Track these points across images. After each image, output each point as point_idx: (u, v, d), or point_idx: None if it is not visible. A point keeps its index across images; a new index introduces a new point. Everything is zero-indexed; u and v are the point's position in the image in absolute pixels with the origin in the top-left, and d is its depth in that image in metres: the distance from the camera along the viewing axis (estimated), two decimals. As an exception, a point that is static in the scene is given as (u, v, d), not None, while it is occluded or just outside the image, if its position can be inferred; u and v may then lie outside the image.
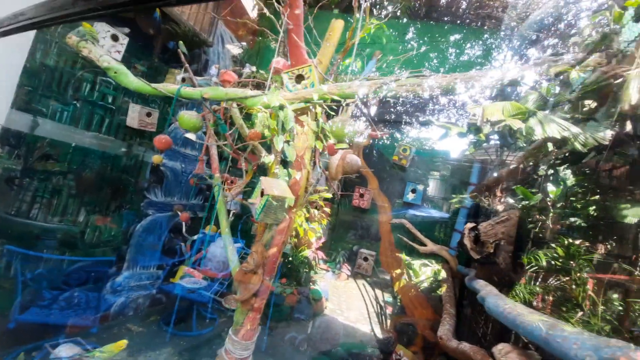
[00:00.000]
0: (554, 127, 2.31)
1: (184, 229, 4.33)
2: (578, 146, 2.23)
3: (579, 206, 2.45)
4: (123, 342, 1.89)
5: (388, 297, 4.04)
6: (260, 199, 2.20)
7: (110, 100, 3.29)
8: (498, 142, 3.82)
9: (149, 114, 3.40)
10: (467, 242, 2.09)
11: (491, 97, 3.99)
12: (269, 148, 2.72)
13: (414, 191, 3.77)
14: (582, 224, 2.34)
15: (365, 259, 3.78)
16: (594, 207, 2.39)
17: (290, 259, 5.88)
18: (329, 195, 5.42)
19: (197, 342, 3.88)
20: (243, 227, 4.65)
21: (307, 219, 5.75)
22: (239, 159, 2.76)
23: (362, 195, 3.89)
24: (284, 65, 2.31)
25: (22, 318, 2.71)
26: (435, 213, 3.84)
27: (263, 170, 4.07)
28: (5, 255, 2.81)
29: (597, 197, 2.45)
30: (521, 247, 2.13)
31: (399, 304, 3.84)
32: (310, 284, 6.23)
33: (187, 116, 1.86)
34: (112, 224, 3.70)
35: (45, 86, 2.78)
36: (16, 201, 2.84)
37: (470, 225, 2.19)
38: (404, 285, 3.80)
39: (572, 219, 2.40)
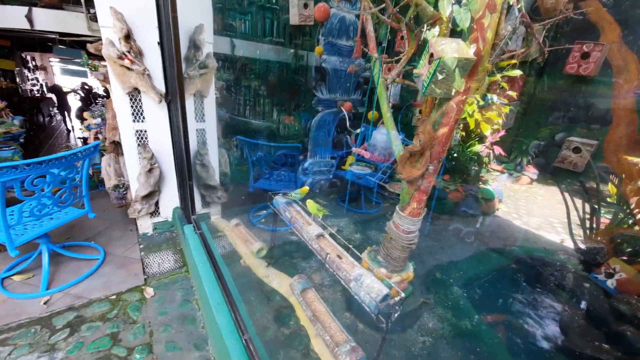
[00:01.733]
0: None
1: (347, 123, 4.66)
2: None
3: None
4: (306, 189, 2.46)
5: (600, 203, 2.97)
6: (428, 67, 1.84)
7: (273, 0, 3.49)
8: None
9: (305, 5, 3.39)
10: None
11: None
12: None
13: None
14: None
15: (577, 150, 2.76)
16: None
17: (455, 154, 5.33)
18: (517, 73, 4.04)
19: (366, 218, 4.57)
20: (403, 119, 4.45)
21: (480, 107, 4.74)
22: (398, 27, 2.34)
23: (585, 56, 2.56)
24: None
25: (255, 186, 4.03)
26: None
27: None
28: (239, 144, 4.08)
29: None
30: None
31: (626, 211, 2.76)
32: (480, 183, 5.58)
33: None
34: (294, 122, 4.47)
35: (228, 4, 3.26)
36: (235, 105, 3.88)
37: None
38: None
39: None
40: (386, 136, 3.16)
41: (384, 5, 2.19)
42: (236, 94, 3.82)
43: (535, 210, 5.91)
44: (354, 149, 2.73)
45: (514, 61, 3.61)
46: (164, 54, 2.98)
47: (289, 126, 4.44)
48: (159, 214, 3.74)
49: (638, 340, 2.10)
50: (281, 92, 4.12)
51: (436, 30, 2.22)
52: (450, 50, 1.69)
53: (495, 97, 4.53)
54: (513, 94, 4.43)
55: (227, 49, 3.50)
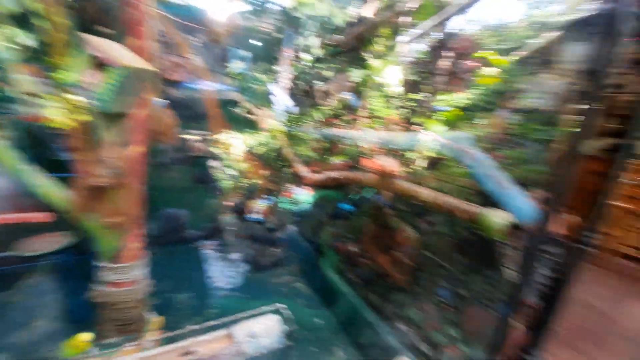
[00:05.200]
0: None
1: None
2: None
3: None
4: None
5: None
6: (99, 74, 1.35)
7: None
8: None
9: None
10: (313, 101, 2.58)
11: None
12: None
13: (241, 59, 3.51)
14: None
15: (202, 141, 3.54)
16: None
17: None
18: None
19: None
20: None
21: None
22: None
23: (177, 66, 3.12)
24: None
25: None
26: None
27: None
28: None
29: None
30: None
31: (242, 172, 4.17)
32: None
33: None
34: None
35: None
36: None
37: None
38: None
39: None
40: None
41: None
42: None
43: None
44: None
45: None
46: None
47: None
48: None
49: (281, 244, 3.69)
50: None
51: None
52: (129, 58, 1.40)
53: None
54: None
55: None
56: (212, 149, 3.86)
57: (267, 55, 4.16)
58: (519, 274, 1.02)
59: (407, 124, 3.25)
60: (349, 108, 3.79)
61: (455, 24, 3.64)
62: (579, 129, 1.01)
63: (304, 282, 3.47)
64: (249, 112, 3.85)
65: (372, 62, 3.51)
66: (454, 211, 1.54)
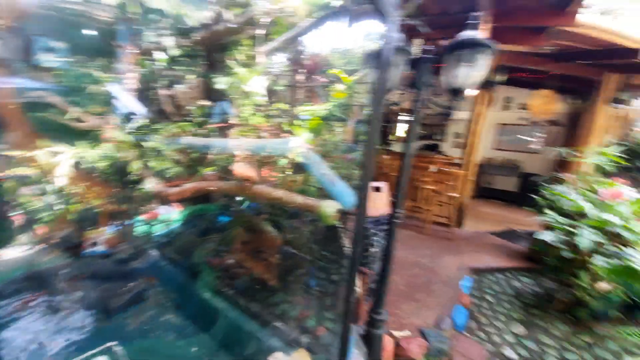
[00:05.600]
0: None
1: None
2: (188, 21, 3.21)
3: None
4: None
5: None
6: None
7: None
8: None
9: None
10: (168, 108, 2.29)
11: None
12: None
13: (50, 50, 2.70)
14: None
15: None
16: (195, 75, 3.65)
17: None
18: None
19: None
20: None
21: None
22: None
23: None
24: None
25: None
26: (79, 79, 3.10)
27: None
28: None
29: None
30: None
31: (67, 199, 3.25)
32: None
33: None
34: None
35: None
36: None
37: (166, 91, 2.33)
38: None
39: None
40: None
41: None
42: None
43: None
44: None
45: None
46: None
47: None
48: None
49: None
50: None
51: None
52: None
53: None
54: None
55: None
56: (19, 169, 2.79)
57: (104, 50, 3.42)
58: (353, 249, 1.27)
59: (277, 132, 3.41)
60: (219, 115, 3.61)
61: (307, 43, 4.13)
62: (379, 135, 1.35)
63: (174, 312, 3.02)
64: (77, 119, 3.03)
65: (237, 69, 3.49)
66: (303, 207, 1.76)
